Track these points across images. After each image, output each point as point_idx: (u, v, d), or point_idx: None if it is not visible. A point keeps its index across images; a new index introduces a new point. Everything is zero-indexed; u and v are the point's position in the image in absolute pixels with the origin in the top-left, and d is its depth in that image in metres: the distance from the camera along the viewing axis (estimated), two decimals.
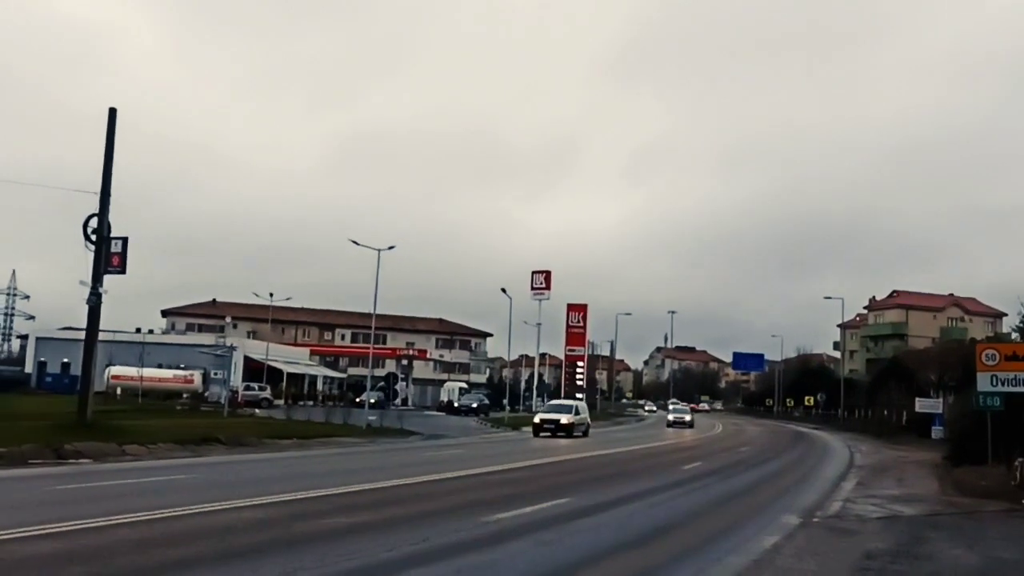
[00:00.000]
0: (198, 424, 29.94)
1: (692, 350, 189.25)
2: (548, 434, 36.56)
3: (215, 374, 45.97)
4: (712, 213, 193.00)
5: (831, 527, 12.36)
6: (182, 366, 58.45)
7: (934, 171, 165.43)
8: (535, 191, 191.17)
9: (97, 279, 24.02)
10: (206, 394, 51.46)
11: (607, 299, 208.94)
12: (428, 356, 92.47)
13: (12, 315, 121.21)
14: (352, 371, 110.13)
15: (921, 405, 41.33)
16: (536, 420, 39.28)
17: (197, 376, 48.44)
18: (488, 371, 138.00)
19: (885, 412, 53.37)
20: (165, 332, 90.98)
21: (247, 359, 64.46)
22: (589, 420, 43.38)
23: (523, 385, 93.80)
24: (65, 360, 61.41)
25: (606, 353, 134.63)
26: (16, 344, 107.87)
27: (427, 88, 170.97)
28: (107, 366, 48.35)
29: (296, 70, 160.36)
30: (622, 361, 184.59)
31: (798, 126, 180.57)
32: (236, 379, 61.93)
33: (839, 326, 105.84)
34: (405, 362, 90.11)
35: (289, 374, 68.20)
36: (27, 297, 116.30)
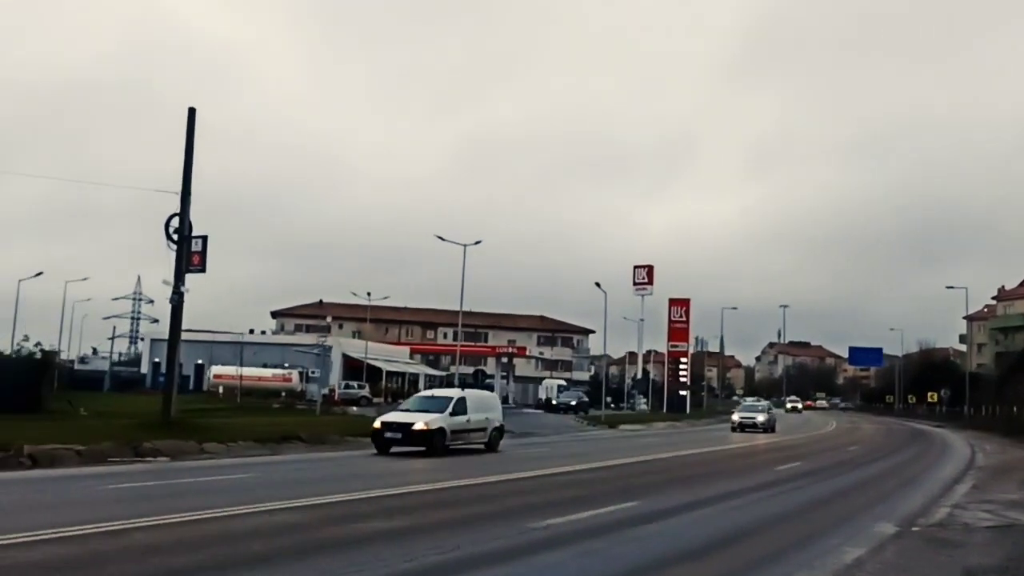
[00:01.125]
0: (286, 422, 30.01)
1: (807, 345, 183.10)
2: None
3: (312, 373, 46.44)
4: (828, 205, 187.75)
5: (930, 538, 10.83)
6: (286, 365, 59.71)
7: None
8: (650, 189, 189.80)
9: (179, 278, 24.21)
10: (304, 392, 52.24)
11: (719, 296, 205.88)
12: (528, 353, 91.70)
13: (139, 319, 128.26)
14: (455, 370, 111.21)
15: None
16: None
17: (295, 375, 49.19)
18: (593, 368, 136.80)
19: (1015, 408, 49.38)
20: (275, 333, 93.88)
21: (346, 358, 65.37)
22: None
23: (629, 383, 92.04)
24: (199, 362, 63.58)
25: (715, 350, 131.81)
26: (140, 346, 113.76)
27: (543, 90, 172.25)
28: (210, 366, 49.67)
29: (417, 77, 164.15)
30: (732, 357, 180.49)
31: (922, 116, 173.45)
32: (335, 377, 63.02)
33: (965, 318, 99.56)
34: (505, 359, 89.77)
35: (388, 372, 68.77)
36: (151, 301, 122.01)
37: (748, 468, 20.77)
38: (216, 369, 53.12)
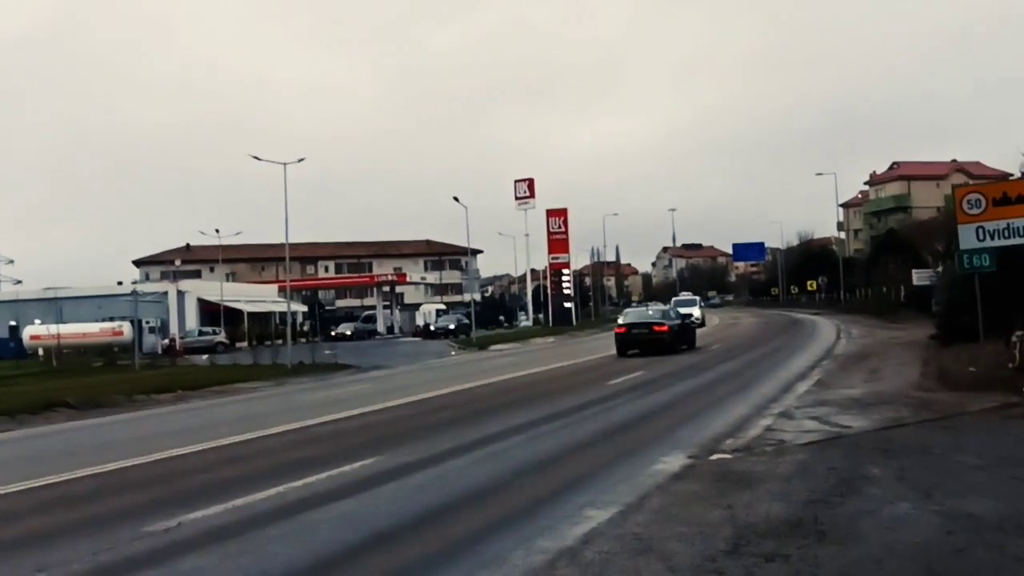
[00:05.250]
0: (78, 385, 25.99)
1: (699, 247, 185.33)
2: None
3: (147, 323, 41.91)
4: (738, 115, 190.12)
5: (723, 473, 8.15)
6: (150, 321, 54.33)
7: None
8: (577, 110, 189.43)
9: None
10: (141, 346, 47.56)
11: (617, 207, 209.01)
12: (409, 280, 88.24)
13: None
14: (340, 303, 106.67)
15: (918, 277, 37.11)
16: None
17: (127, 327, 44.53)
18: (489, 290, 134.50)
19: (884, 289, 49.02)
20: (135, 283, 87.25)
21: (203, 303, 60.54)
22: None
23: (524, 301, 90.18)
24: (12, 323, 57.58)
25: (613, 259, 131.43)
26: None
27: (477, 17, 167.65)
28: (26, 326, 44.51)
29: (351, 10, 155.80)
30: (629, 265, 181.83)
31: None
32: (190, 325, 58.30)
33: (841, 205, 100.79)
34: (387, 288, 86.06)
35: (252, 314, 64.20)
36: (11, 262, 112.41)
37: (576, 386, 18.12)
38: (31, 329, 47.86)
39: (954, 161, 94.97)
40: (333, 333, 68.47)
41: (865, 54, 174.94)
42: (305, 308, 75.35)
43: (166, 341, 48.46)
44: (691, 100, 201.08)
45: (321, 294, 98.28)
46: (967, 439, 9.16)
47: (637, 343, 26.81)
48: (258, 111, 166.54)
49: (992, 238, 14.30)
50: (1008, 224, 14.15)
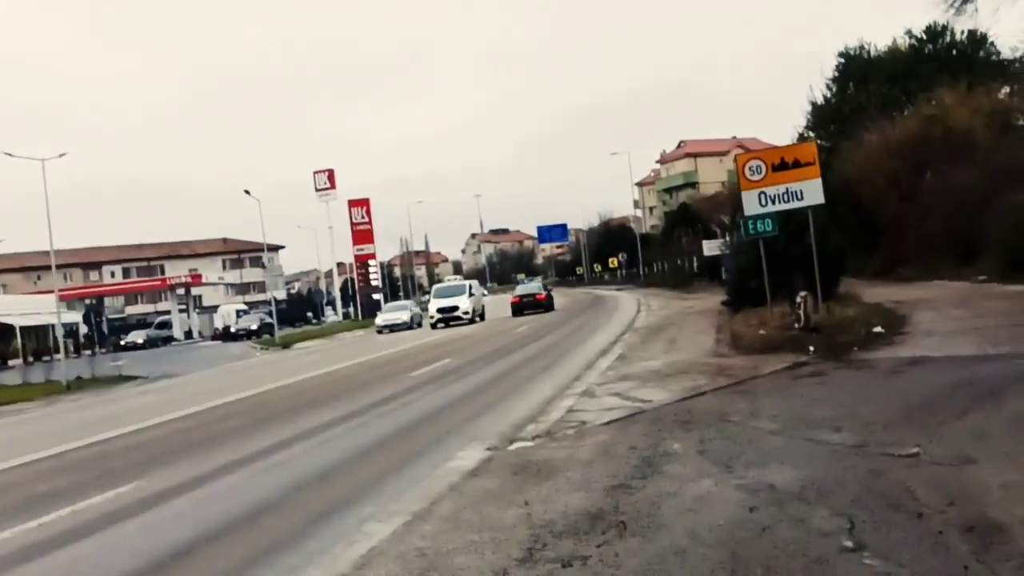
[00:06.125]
0: None
1: (506, 231, 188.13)
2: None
3: None
4: (549, 100, 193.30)
5: (523, 463, 7.51)
6: None
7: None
8: (389, 102, 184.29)
9: None
10: None
11: (427, 196, 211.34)
12: (205, 280, 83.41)
13: None
14: (130, 310, 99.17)
15: (708, 248, 38.84)
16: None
17: None
18: (296, 286, 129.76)
19: (679, 261, 51.29)
20: None
21: None
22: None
23: (332, 295, 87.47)
24: None
25: (423, 248, 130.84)
26: None
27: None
28: None
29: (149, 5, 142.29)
30: (439, 253, 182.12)
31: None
32: None
33: (637, 184, 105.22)
34: (182, 291, 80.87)
35: (26, 328, 58.02)
36: None
37: (377, 380, 17.12)
38: None
39: (734, 138, 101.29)
40: (123, 342, 63.45)
41: (656, 40, 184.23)
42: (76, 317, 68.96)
43: None
44: (495, 89, 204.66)
45: (109, 301, 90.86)
46: (762, 403, 9.06)
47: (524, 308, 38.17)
48: (40, 109, 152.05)
49: (773, 203, 14.67)
50: (787, 188, 14.56)
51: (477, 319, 38.11)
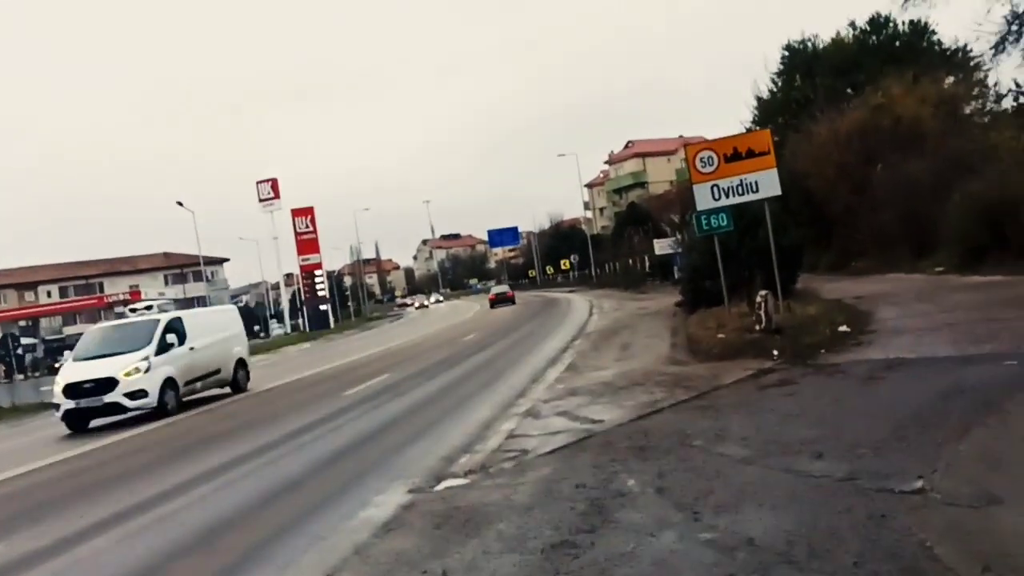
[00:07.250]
0: None
1: (457, 236, 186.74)
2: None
3: None
4: (498, 107, 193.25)
5: (448, 511, 6.23)
6: None
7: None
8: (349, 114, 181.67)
9: None
10: None
11: (379, 204, 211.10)
12: (145, 297, 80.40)
13: None
14: (69, 330, 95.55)
15: (660, 247, 38.05)
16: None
17: None
18: (243, 299, 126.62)
19: (630, 262, 50.46)
20: None
21: None
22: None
23: (279, 308, 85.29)
24: None
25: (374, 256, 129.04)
26: None
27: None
28: None
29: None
30: (391, 260, 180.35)
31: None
32: None
33: (587, 185, 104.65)
34: (121, 309, 77.90)
35: None
36: None
37: (308, 401, 15.68)
38: None
39: (681, 137, 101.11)
40: (57, 365, 60.63)
41: (604, 43, 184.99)
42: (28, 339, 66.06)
43: None
44: (444, 95, 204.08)
45: (45, 322, 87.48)
46: (728, 421, 7.91)
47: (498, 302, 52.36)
48: None
49: (727, 196, 13.62)
50: (741, 180, 13.51)
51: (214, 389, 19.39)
